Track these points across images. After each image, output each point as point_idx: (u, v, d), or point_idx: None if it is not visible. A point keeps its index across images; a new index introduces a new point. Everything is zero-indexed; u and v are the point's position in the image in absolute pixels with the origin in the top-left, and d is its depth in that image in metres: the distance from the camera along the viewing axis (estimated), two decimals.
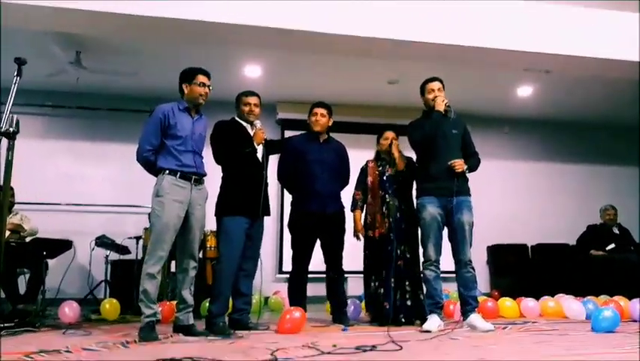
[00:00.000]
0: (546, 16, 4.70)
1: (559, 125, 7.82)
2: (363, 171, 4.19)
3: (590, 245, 6.02)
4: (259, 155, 3.61)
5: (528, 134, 7.81)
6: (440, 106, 3.64)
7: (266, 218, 3.66)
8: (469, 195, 3.67)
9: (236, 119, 3.70)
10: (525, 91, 6.69)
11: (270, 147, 3.75)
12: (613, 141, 7.87)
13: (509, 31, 4.62)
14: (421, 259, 3.76)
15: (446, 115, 3.66)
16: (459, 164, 3.58)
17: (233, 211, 3.46)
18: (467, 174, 3.70)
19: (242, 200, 3.48)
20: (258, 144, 3.58)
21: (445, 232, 3.66)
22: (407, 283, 3.88)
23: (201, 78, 3.31)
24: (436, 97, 3.69)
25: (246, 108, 3.64)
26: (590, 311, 4.03)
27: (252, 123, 3.65)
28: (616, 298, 4.58)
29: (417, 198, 3.73)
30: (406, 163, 4.03)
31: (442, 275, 3.63)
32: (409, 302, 3.86)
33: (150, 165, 3.24)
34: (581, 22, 4.78)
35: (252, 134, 3.61)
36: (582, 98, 6.88)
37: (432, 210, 3.58)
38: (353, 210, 4.13)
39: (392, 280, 3.84)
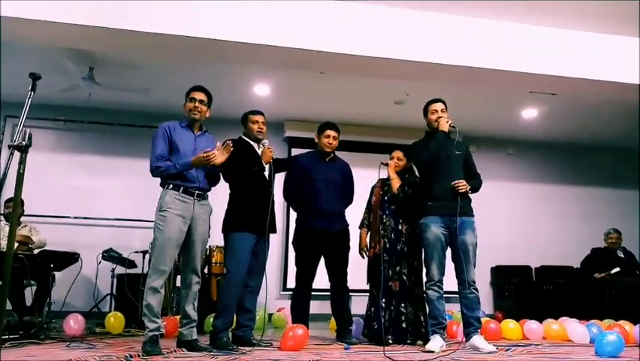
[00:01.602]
0: (552, 39, 4.76)
1: (564, 148, 7.85)
2: (372, 191, 4.24)
3: (593, 268, 5.99)
4: (266, 173, 3.66)
5: (532, 156, 7.84)
6: (444, 127, 3.69)
7: (271, 235, 3.69)
8: (473, 215, 3.69)
9: (244, 137, 3.76)
10: (530, 113, 6.73)
11: (278, 165, 3.79)
12: (618, 164, 7.88)
13: (515, 53, 4.68)
14: (424, 280, 3.77)
15: (449, 136, 3.71)
16: (462, 184, 3.60)
17: (241, 228, 3.50)
18: (470, 195, 3.73)
19: (249, 217, 3.52)
20: (266, 163, 3.63)
21: (449, 252, 3.68)
22: (403, 304, 3.84)
23: (193, 94, 3.38)
24: (439, 118, 3.74)
25: (255, 127, 3.69)
26: (594, 335, 4.01)
27: (259, 142, 3.70)
28: (620, 322, 4.56)
29: (420, 218, 3.75)
30: (406, 184, 4.01)
31: (444, 296, 3.64)
32: (403, 324, 3.82)
33: (164, 169, 3.21)
34: (587, 45, 4.83)
35: (259, 152, 3.67)
36: (587, 121, 6.91)
37: (435, 230, 3.60)
38: (360, 228, 4.20)
39: (383, 300, 3.82)
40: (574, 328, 4.36)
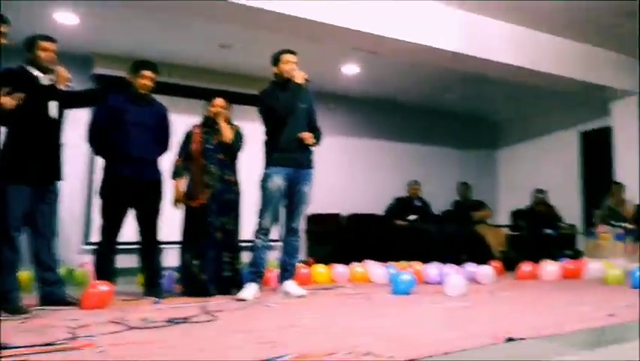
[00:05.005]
0: None
1: (381, 105, 8.37)
2: (188, 137, 4.00)
3: (395, 216, 6.74)
4: (53, 111, 3.15)
5: (351, 111, 8.23)
6: (300, 79, 3.67)
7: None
8: (312, 167, 3.78)
9: (26, 67, 3.14)
10: (352, 69, 7.02)
11: (78, 99, 3.31)
12: (432, 123, 8.71)
13: (338, 7, 4.74)
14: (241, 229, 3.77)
15: (300, 88, 3.68)
16: (309, 137, 3.68)
17: (14, 179, 2.99)
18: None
19: (25, 166, 3.02)
20: (64, 85, 3.14)
21: None
22: (225, 254, 3.82)
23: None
24: (293, 69, 3.70)
25: (47, 55, 3.13)
26: (392, 275, 4.45)
27: (46, 72, 3.15)
28: (413, 263, 5.15)
29: (264, 168, 3.71)
30: (235, 133, 3.94)
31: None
32: (225, 273, 3.80)
33: None
34: (407, 8, 5.09)
35: (45, 83, 3.14)
36: (402, 81, 7.40)
37: (277, 180, 3.63)
38: (174, 177, 3.92)
39: (211, 251, 3.76)
40: (375, 270, 4.80)
